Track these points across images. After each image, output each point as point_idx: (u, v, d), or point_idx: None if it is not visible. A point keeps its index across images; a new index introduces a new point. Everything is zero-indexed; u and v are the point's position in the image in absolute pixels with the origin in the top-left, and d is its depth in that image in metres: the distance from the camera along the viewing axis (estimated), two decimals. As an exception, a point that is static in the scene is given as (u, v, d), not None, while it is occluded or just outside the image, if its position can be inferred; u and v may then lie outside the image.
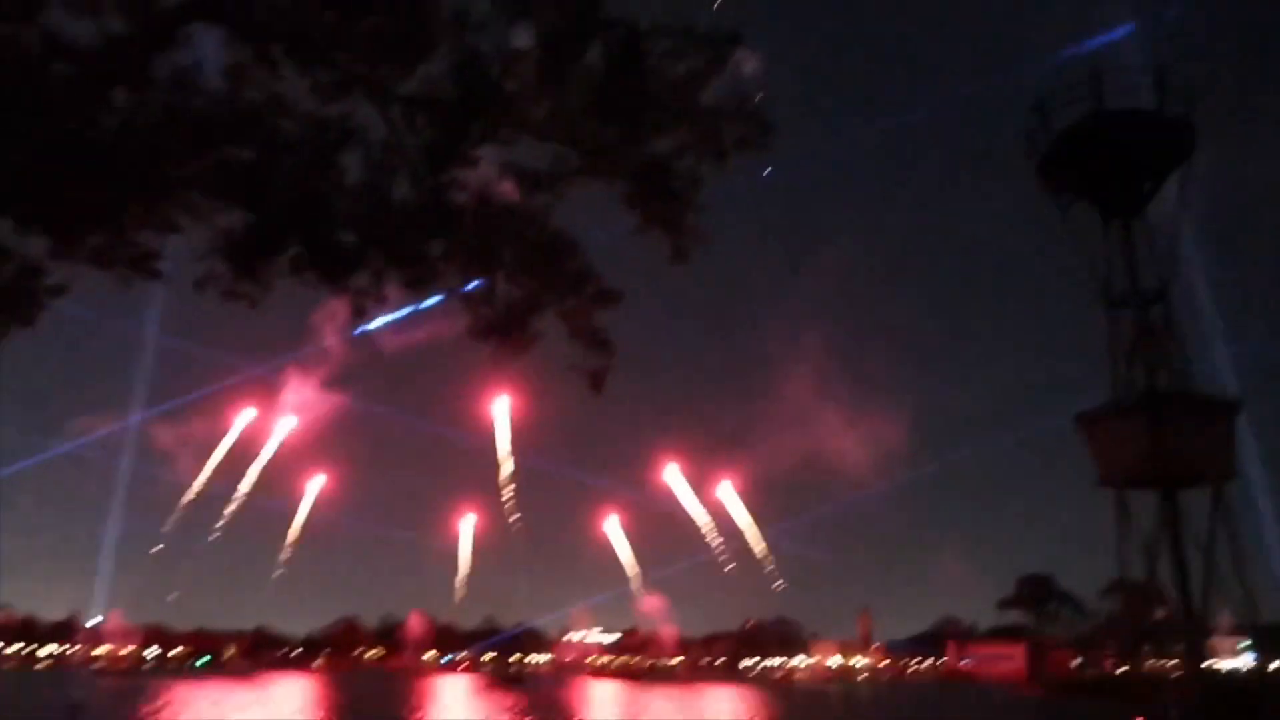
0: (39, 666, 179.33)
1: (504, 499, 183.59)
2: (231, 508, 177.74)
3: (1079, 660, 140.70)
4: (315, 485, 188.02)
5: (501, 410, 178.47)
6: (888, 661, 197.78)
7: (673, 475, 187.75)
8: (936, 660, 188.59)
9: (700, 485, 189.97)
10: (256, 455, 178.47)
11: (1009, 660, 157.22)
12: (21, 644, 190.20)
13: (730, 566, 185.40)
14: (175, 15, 9.57)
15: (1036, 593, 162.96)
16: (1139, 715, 50.24)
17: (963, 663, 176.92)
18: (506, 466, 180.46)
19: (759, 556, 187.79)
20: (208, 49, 10.45)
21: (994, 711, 78.19)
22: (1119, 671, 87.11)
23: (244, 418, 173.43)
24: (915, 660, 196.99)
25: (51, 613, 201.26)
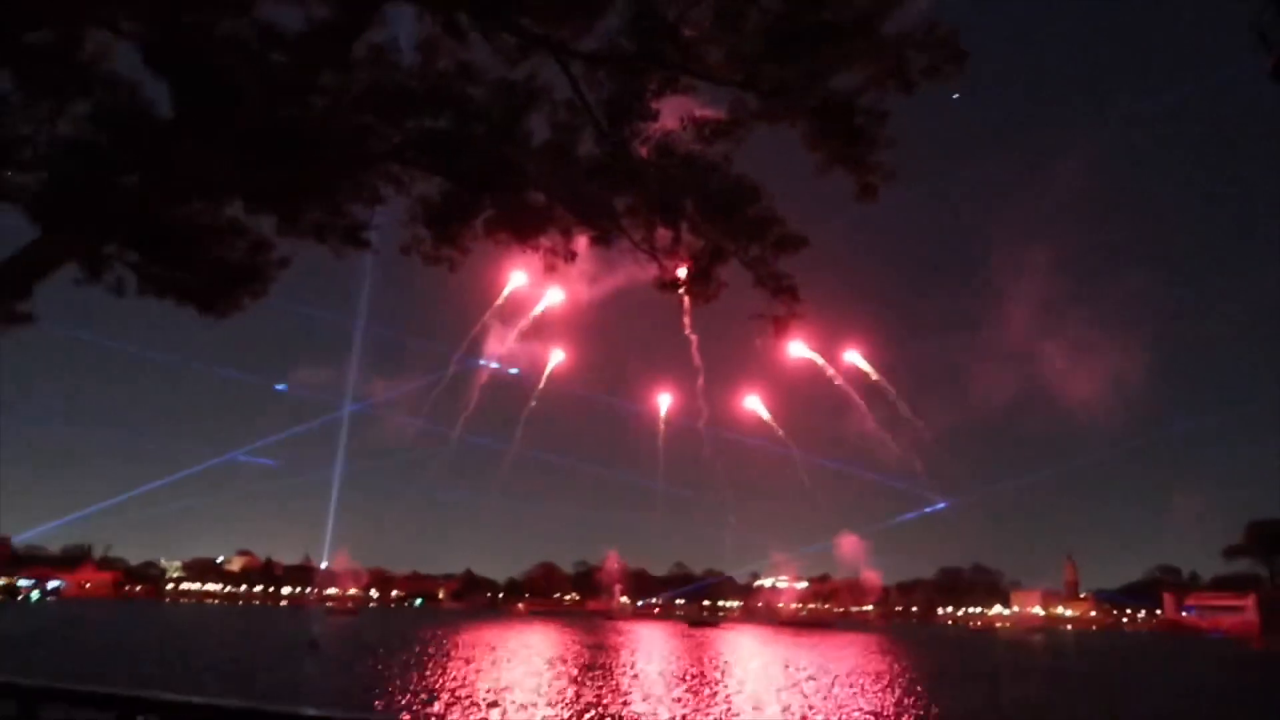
0: (281, 604, 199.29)
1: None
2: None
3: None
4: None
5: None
6: (1096, 613, 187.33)
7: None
8: (1151, 611, 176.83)
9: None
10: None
11: (1237, 612, 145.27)
12: (264, 585, 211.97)
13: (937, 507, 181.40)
14: (373, -5, 10.09)
15: (1269, 539, 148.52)
16: None
17: (1183, 614, 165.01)
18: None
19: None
20: (401, 26, 11.00)
21: (1223, 668, 72.38)
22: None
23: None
24: (1128, 611, 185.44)
25: (288, 556, 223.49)
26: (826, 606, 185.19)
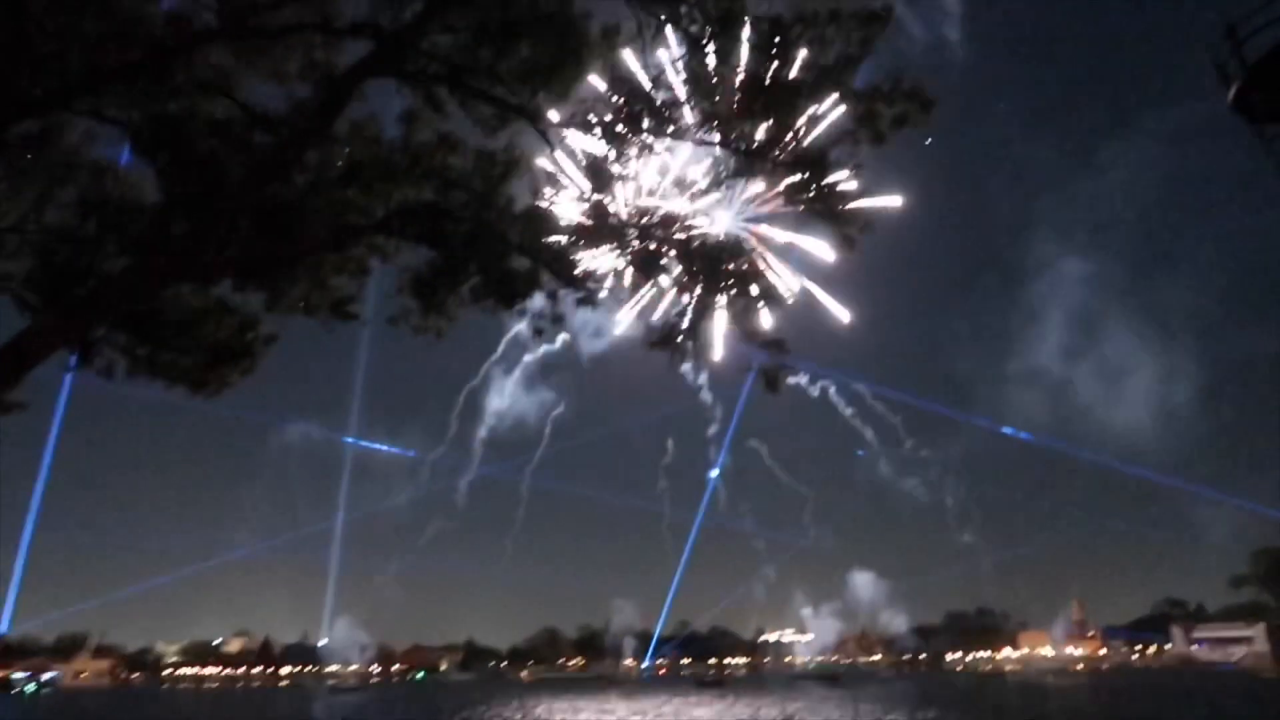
0: (281, 684, 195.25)
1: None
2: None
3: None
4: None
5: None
6: (1105, 650, 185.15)
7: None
8: (1161, 645, 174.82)
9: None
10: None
11: (1247, 643, 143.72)
12: (262, 665, 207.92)
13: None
14: (352, 74, 10.31)
15: (1275, 568, 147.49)
16: None
17: (1193, 648, 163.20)
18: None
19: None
20: (381, 100, 11.24)
21: (1240, 700, 71.41)
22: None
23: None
24: (1137, 647, 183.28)
25: (287, 635, 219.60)
26: (835, 659, 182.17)
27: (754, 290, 12.67)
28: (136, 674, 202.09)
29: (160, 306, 10.97)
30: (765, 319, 12.76)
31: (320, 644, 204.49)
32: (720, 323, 12.70)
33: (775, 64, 11.39)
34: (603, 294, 12.49)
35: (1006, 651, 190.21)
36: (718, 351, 13.22)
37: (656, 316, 12.80)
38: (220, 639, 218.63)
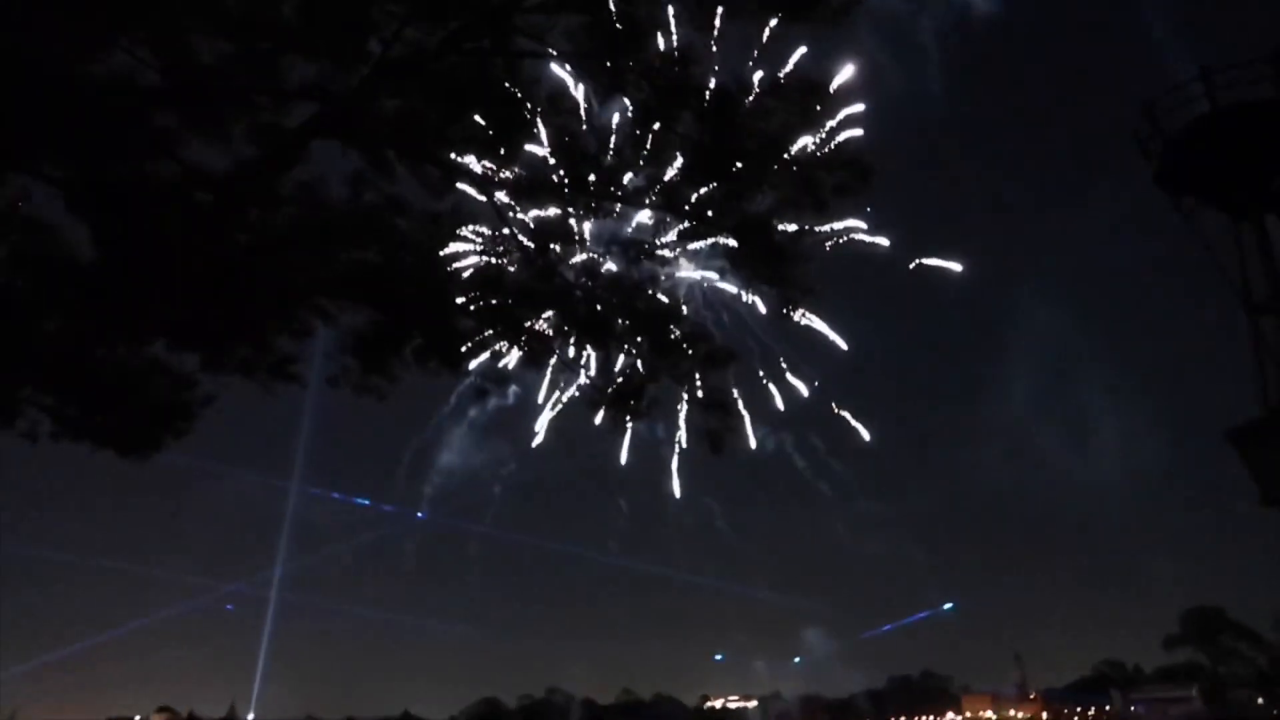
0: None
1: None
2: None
3: (1261, 699, 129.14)
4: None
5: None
6: (1046, 714, 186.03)
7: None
8: (1100, 708, 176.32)
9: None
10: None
11: (1183, 703, 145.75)
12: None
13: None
14: (298, 134, 10.30)
15: (1206, 627, 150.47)
16: None
17: (1132, 709, 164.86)
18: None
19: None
20: (326, 161, 11.22)
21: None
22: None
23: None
24: (1078, 709, 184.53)
25: (213, 709, 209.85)
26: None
27: (700, 353, 12.78)
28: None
29: (91, 366, 10.67)
30: (711, 382, 12.85)
31: (249, 718, 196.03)
32: (664, 384, 12.78)
33: (720, 132, 11.68)
34: (548, 356, 12.53)
35: (950, 716, 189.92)
36: (659, 413, 13.27)
37: (598, 379, 12.80)
38: (139, 717, 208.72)
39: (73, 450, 11.03)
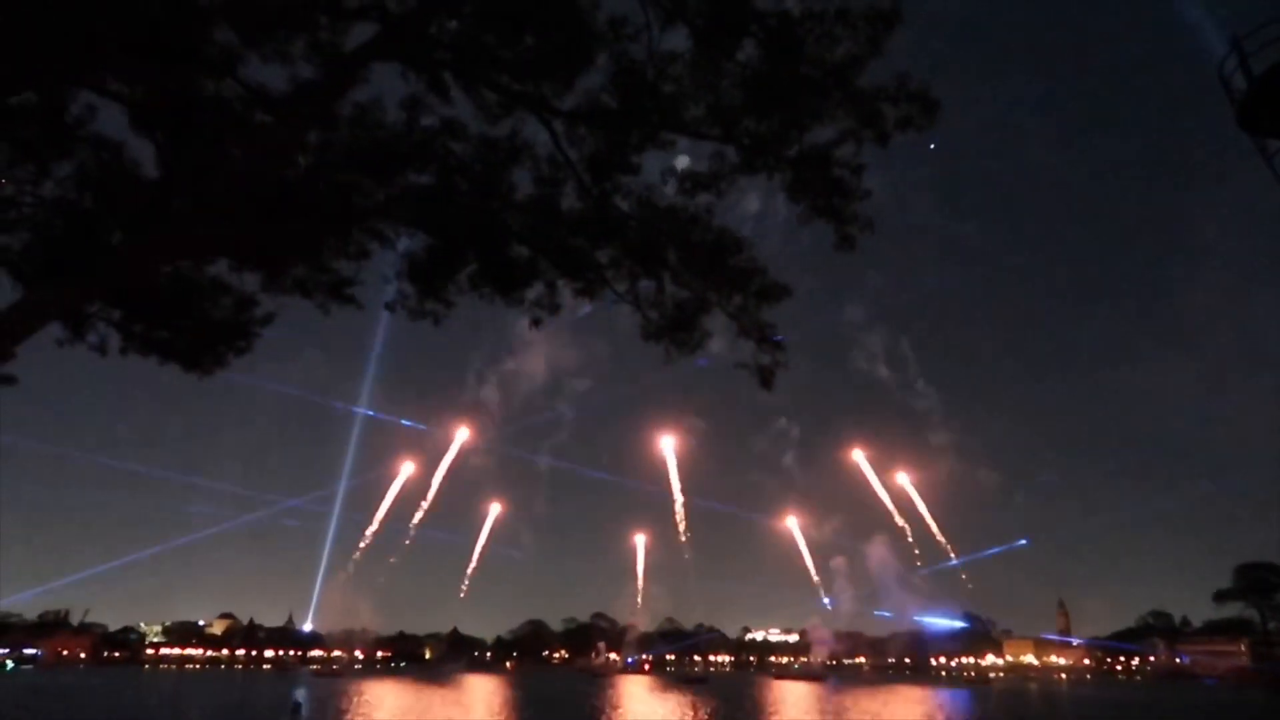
0: (265, 666, 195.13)
1: (676, 518, 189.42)
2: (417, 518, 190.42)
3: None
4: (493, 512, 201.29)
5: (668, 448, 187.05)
6: (1089, 660, 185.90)
7: (860, 459, 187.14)
8: (1145, 657, 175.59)
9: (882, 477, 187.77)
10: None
11: (1230, 656, 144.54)
12: (246, 648, 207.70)
13: (919, 567, 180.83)
14: (357, 56, 10.25)
15: (1259, 582, 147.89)
16: None
17: (1177, 660, 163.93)
18: (676, 495, 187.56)
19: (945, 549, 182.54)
20: (385, 84, 11.18)
21: (1222, 712, 71.78)
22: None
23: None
24: (1121, 658, 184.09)
25: (272, 618, 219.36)
26: (819, 661, 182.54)
27: (754, 287, 12.64)
28: (119, 653, 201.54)
29: (156, 283, 10.92)
30: (764, 316, 12.72)
31: (305, 628, 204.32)
32: (718, 317, 12.70)
33: (781, 61, 11.36)
34: (601, 286, 12.48)
35: (991, 658, 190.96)
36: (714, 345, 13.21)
37: (651, 310, 12.74)
38: (204, 620, 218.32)
39: (146, 365, 11.39)
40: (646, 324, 12.72)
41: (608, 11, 11.41)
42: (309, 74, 10.18)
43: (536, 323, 12.63)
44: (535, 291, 12.32)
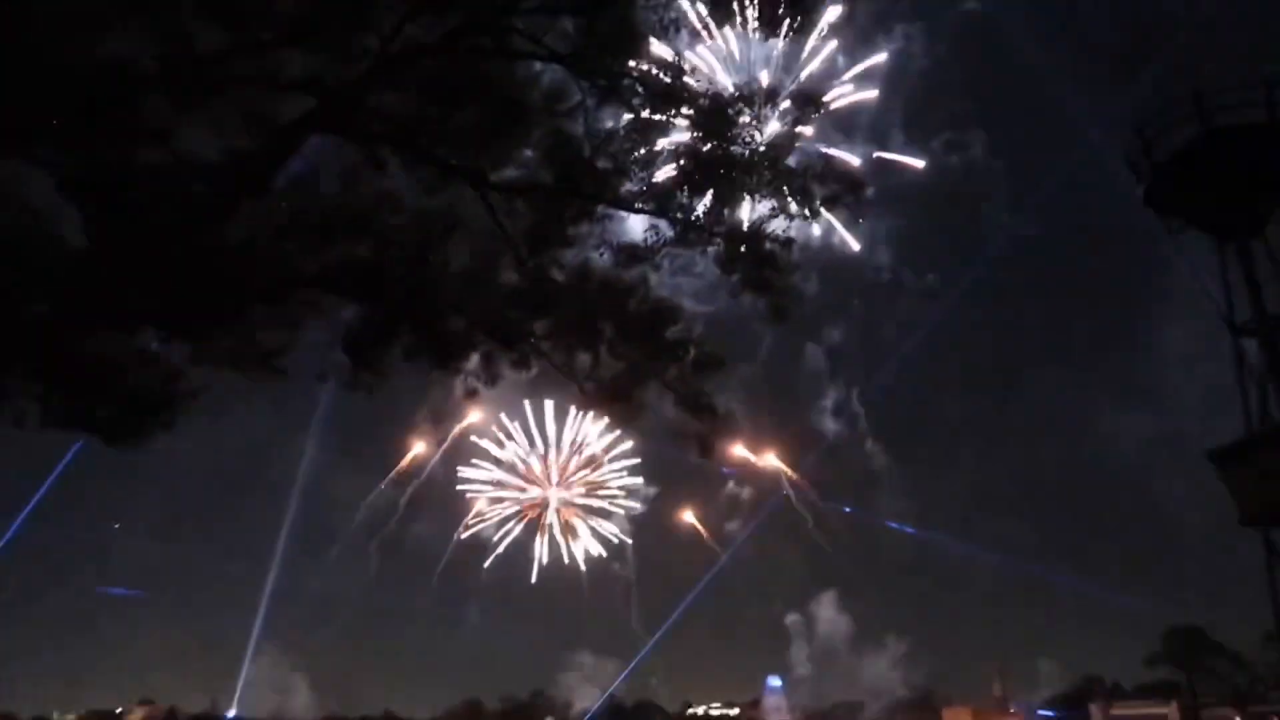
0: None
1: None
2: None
3: (1238, 718, 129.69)
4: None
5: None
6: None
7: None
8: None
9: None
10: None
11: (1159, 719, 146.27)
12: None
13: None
14: (294, 128, 10.29)
15: (1187, 646, 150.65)
16: None
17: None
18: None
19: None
20: (322, 156, 11.22)
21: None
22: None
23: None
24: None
25: (195, 704, 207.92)
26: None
27: (690, 357, 12.81)
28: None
29: (80, 354, 10.62)
30: (701, 386, 12.87)
31: (229, 713, 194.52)
32: (654, 387, 12.80)
33: (713, 140, 11.73)
34: (537, 357, 12.52)
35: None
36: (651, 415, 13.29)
37: (587, 381, 12.80)
38: (121, 708, 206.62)
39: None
40: (582, 395, 12.77)
41: (544, 87, 11.71)
42: (244, 144, 10.18)
43: (472, 394, 12.59)
44: (472, 362, 12.31)
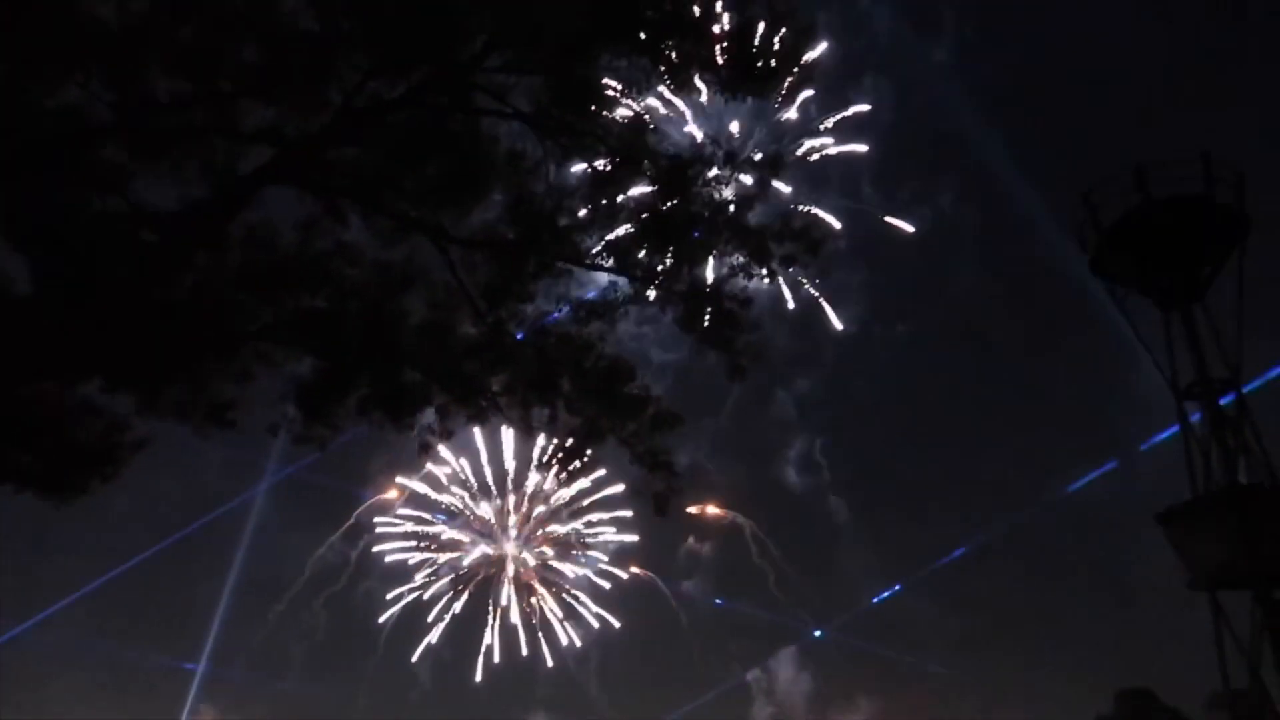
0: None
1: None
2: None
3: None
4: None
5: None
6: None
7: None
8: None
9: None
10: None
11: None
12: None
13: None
14: (252, 178, 10.20)
15: (1137, 709, 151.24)
16: None
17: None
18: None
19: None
20: (279, 206, 11.10)
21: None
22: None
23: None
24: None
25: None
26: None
27: (646, 414, 12.75)
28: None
29: (19, 405, 10.27)
30: (658, 443, 12.80)
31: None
32: (610, 444, 12.71)
33: (673, 199, 11.85)
34: (494, 412, 12.37)
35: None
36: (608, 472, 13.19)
37: (544, 436, 12.68)
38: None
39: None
40: (540, 452, 12.66)
41: (507, 144, 11.78)
42: (201, 193, 10.06)
43: (426, 448, 12.39)
44: (427, 417, 12.13)
